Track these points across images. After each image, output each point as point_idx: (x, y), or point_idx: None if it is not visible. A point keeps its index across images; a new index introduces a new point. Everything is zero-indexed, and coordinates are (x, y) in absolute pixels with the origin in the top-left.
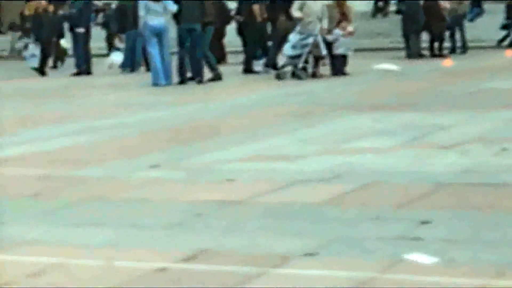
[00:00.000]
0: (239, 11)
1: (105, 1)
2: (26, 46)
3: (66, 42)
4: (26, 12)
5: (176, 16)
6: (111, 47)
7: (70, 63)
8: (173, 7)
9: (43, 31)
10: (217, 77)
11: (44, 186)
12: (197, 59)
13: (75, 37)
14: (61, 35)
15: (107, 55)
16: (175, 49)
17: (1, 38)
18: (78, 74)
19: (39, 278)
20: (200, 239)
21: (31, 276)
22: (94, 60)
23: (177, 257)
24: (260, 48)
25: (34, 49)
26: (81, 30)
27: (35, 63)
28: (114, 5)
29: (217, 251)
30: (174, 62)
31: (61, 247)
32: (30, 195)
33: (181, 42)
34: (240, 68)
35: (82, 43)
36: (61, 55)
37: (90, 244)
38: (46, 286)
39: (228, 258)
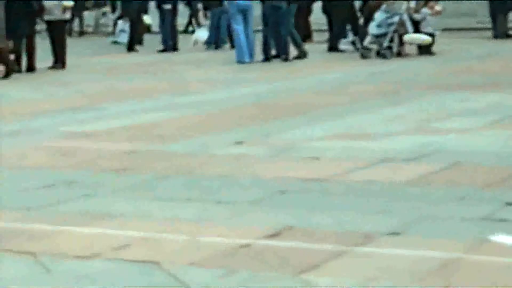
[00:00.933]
0: None
1: None
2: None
3: (148, 18)
4: None
5: None
6: (188, 25)
7: (154, 39)
8: None
9: (131, 7)
10: (302, 55)
11: (130, 161)
12: (282, 36)
13: (162, 14)
14: (145, 11)
15: (192, 32)
16: (260, 26)
17: (86, 14)
18: (164, 50)
19: (124, 251)
20: (284, 216)
21: (117, 249)
22: (180, 37)
23: (261, 233)
24: (349, 26)
25: (123, 25)
26: (168, 6)
27: (124, 38)
28: None
29: (301, 229)
30: (258, 40)
31: (146, 221)
32: (116, 170)
33: (265, 20)
34: (326, 46)
35: (169, 19)
36: (143, 31)
37: (175, 219)
38: (132, 259)
39: (312, 235)
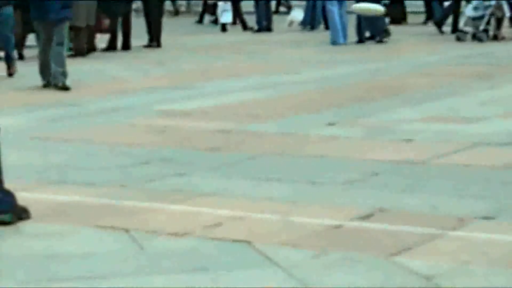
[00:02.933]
0: None
1: None
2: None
3: None
4: None
5: None
6: (278, 5)
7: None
8: None
9: None
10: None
11: (224, 140)
12: (376, 18)
13: None
14: None
15: (287, 13)
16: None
17: None
18: (259, 31)
19: (216, 229)
20: (377, 198)
21: (209, 227)
22: (274, 18)
23: (353, 215)
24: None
25: (225, 5)
26: None
27: (228, 18)
28: None
29: (394, 211)
30: (352, 21)
31: (239, 200)
32: (210, 148)
33: (359, 1)
34: (419, 28)
35: (263, 0)
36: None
37: (267, 198)
38: (223, 238)
39: (405, 218)
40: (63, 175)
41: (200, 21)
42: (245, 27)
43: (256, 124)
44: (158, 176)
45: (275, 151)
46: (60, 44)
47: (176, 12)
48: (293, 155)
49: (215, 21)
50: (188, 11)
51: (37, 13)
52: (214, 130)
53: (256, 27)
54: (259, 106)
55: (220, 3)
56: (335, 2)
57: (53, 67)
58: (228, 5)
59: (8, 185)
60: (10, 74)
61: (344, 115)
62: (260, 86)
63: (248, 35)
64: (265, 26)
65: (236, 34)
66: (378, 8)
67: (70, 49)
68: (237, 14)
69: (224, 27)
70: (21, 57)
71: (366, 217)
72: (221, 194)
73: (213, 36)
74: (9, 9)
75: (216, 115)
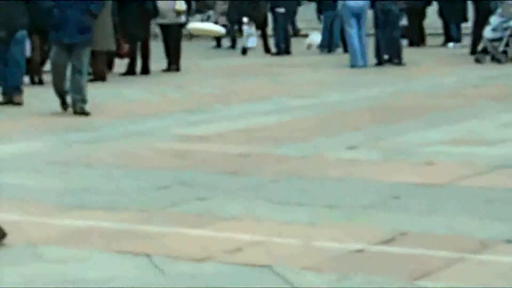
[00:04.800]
0: None
1: None
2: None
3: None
4: None
5: None
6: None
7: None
8: None
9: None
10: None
11: (243, 163)
12: (395, 40)
13: (276, 17)
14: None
15: (306, 35)
16: (372, 30)
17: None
18: (277, 54)
19: (237, 254)
20: (398, 221)
21: (229, 252)
22: (293, 40)
23: (374, 238)
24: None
25: (250, 30)
26: (281, 10)
27: (253, 42)
28: None
29: (415, 234)
30: (370, 44)
31: (260, 224)
32: (230, 172)
33: (377, 23)
34: (438, 50)
35: (282, 23)
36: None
37: (288, 222)
38: (244, 262)
39: (427, 241)
40: (83, 199)
41: (218, 45)
42: (267, 50)
43: (276, 147)
44: (178, 200)
45: (295, 174)
46: (79, 72)
47: (191, 36)
48: (313, 178)
49: (233, 45)
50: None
51: (54, 36)
52: (234, 154)
53: (274, 50)
54: (279, 129)
55: (244, 27)
56: (354, 25)
57: (72, 94)
58: (253, 29)
59: (27, 210)
60: (17, 103)
61: (364, 138)
62: (279, 109)
63: (266, 58)
64: (283, 49)
65: (254, 57)
66: (217, 29)
67: (89, 73)
68: (263, 37)
69: (244, 51)
70: (40, 82)
71: (388, 241)
72: (241, 218)
73: (231, 59)
74: (21, 33)
75: (236, 139)
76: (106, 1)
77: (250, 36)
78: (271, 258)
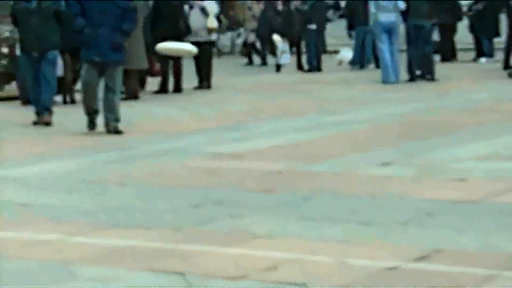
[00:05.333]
0: (470, 8)
1: None
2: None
3: (278, 37)
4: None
5: (404, 13)
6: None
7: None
8: (402, 4)
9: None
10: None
11: (278, 181)
12: (427, 56)
13: (307, 34)
14: (274, 31)
15: (335, 52)
16: (404, 46)
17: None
18: (309, 70)
19: (272, 272)
20: (432, 238)
21: (264, 270)
22: (323, 57)
23: (409, 256)
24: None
25: (283, 46)
26: (312, 26)
27: (286, 59)
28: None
29: (450, 251)
30: (402, 59)
31: (294, 242)
32: (264, 190)
33: (409, 39)
34: (470, 65)
35: (313, 40)
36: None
37: (322, 240)
38: (278, 280)
39: (461, 258)
40: (117, 218)
41: (250, 62)
42: (299, 67)
43: (309, 164)
44: (212, 218)
45: (329, 191)
46: (112, 91)
47: (220, 53)
48: (346, 195)
49: (264, 63)
50: (232, 52)
51: (85, 54)
52: (267, 171)
53: (306, 67)
54: (312, 146)
55: (279, 44)
56: (386, 40)
57: (105, 113)
58: (286, 45)
59: (62, 229)
60: (46, 123)
61: (397, 154)
62: (311, 126)
63: (298, 75)
64: (315, 65)
65: (286, 74)
66: (188, 49)
67: (122, 92)
68: (297, 54)
69: (278, 67)
70: (73, 101)
71: (422, 258)
72: (276, 236)
73: (262, 76)
74: (53, 53)
75: (269, 156)
76: (138, 19)
77: (284, 53)
78: (305, 276)
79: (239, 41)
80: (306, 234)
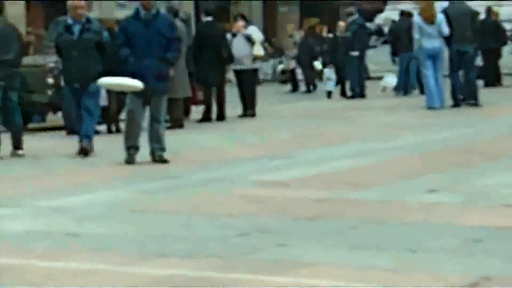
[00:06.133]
0: None
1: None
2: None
3: (319, 64)
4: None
5: (447, 38)
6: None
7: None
8: (446, 30)
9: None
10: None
11: (323, 209)
12: (471, 81)
13: (350, 60)
14: (314, 58)
15: (379, 78)
16: (447, 71)
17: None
18: (352, 97)
19: None
20: (482, 265)
21: None
22: (367, 83)
23: (458, 283)
24: None
25: (329, 73)
26: (355, 53)
27: (331, 86)
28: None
29: (500, 279)
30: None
31: (341, 270)
32: (310, 218)
33: (453, 65)
34: None
35: (356, 66)
36: (315, 77)
37: (370, 268)
38: None
39: (510, 286)
40: (163, 247)
41: (294, 89)
42: (343, 94)
43: (355, 192)
44: (258, 247)
45: (375, 219)
46: (157, 121)
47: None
48: (393, 222)
49: (308, 90)
50: (274, 79)
51: None
52: (313, 199)
53: (349, 94)
54: (357, 174)
55: (325, 70)
56: (430, 66)
57: (151, 143)
58: (332, 72)
59: (108, 259)
60: (84, 152)
61: (444, 180)
62: (357, 154)
63: (342, 101)
64: (358, 92)
65: (329, 101)
66: (133, 84)
67: (166, 121)
68: (341, 81)
69: (329, 94)
70: (118, 130)
71: (471, 285)
72: (323, 264)
73: (306, 103)
74: (94, 85)
75: (314, 184)
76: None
77: (329, 80)
78: None
79: (279, 68)
80: (353, 262)
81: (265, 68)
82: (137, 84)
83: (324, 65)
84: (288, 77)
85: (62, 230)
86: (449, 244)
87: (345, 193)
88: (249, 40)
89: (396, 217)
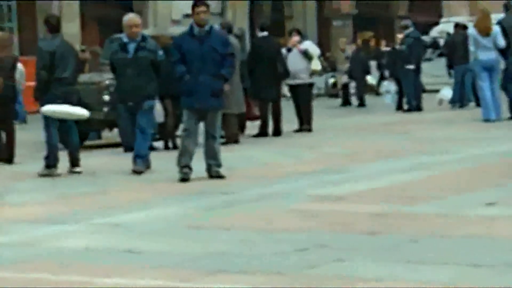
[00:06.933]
0: None
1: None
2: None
3: (372, 78)
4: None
5: (503, 51)
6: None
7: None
8: (502, 42)
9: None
10: None
11: (381, 223)
12: None
13: (406, 74)
14: (367, 72)
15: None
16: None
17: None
18: (409, 110)
19: None
20: None
21: None
22: (423, 96)
23: None
24: None
25: (388, 85)
26: (411, 66)
27: (389, 99)
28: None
29: None
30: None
31: (401, 285)
32: (368, 232)
33: (509, 77)
34: None
35: (412, 79)
36: (367, 91)
37: (430, 283)
38: None
39: None
40: (221, 263)
41: (345, 103)
42: (399, 107)
43: (413, 206)
44: (316, 262)
45: (434, 233)
46: (213, 137)
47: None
48: (453, 236)
49: (362, 103)
50: (327, 93)
51: (186, 101)
52: (370, 214)
53: (406, 107)
54: (414, 187)
55: (384, 83)
56: (486, 78)
57: (207, 159)
58: (392, 85)
59: (169, 275)
60: (137, 172)
61: (503, 193)
62: (413, 167)
63: (398, 115)
64: (414, 105)
65: (386, 115)
66: (79, 113)
67: (222, 137)
68: (400, 94)
69: (400, 107)
70: (175, 146)
71: None
72: (382, 279)
73: (361, 117)
74: (148, 103)
75: (371, 198)
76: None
77: (388, 93)
78: None
79: (330, 82)
80: (413, 277)
81: (318, 83)
82: (81, 112)
83: (382, 78)
84: (338, 91)
85: (121, 247)
86: (510, 258)
87: (402, 207)
88: (306, 55)
89: (456, 231)
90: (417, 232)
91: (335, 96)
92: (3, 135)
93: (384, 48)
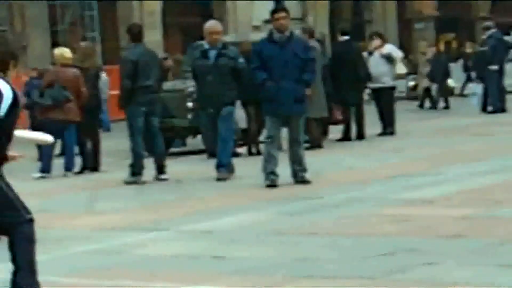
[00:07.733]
0: None
1: None
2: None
3: (452, 82)
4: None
5: None
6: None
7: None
8: None
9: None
10: None
11: (470, 226)
12: None
13: (489, 75)
14: (447, 74)
15: None
16: None
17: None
18: (493, 112)
19: None
20: None
21: None
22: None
23: None
24: None
25: (476, 87)
26: (494, 67)
27: (475, 101)
28: None
29: None
30: None
31: None
32: (456, 236)
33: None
34: None
35: (496, 81)
36: (448, 94)
37: None
38: None
39: None
40: (309, 269)
41: (421, 106)
42: (484, 109)
43: (500, 208)
44: (405, 266)
45: None
46: (297, 142)
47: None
48: None
49: (434, 106)
50: (408, 97)
51: (269, 108)
52: (459, 217)
53: (490, 109)
54: (502, 190)
55: (470, 85)
56: None
57: (292, 165)
58: (479, 88)
59: (256, 281)
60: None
61: None
62: (501, 170)
63: (482, 117)
64: (498, 107)
65: (470, 117)
66: (43, 138)
67: (306, 141)
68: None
69: (484, 108)
70: (258, 152)
71: None
72: (472, 283)
73: (443, 120)
74: (228, 110)
75: (459, 201)
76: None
77: (474, 95)
78: None
79: (409, 84)
80: (503, 281)
81: (400, 86)
82: (46, 138)
83: (469, 80)
84: (417, 93)
85: (208, 253)
86: None
87: (490, 210)
88: (389, 59)
89: None
90: (507, 235)
91: (415, 99)
92: (89, 144)
93: (469, 49)
